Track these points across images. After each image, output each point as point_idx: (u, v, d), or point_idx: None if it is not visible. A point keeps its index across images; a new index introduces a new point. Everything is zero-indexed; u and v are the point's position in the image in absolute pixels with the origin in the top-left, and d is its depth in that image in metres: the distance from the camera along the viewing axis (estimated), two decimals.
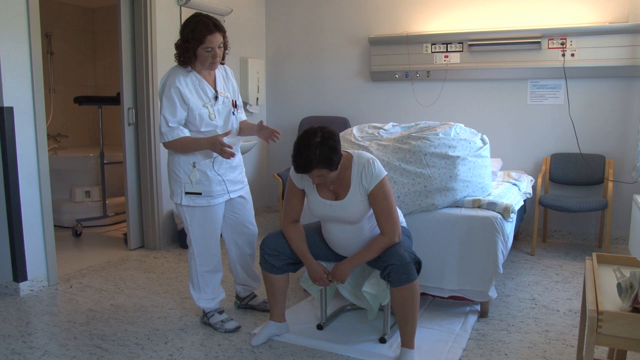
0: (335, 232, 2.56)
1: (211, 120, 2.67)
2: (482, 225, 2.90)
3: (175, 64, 2.67)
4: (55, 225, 3.63)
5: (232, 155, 2.59)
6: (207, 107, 2.66)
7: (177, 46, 2.62)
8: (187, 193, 2.70)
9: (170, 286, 3.49)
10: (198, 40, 2.54)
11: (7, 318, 2.97)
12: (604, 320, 1.59)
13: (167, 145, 2.66)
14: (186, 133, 2.63)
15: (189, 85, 2.62)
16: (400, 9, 4.92)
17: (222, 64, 2.78)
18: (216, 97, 2.70)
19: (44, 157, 3.40)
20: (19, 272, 3.29)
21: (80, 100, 4.89)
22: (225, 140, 2.70)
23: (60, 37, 6.00)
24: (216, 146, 2.56)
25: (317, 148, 2.28)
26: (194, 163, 2.68)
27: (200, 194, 2.70)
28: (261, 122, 2.83)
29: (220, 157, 2.69)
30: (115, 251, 4.29)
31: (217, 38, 2.57)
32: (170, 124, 2.59)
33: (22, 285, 3.32)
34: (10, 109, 3.19)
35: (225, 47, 2.68)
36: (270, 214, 5.63)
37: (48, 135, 3.71)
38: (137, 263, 3.98)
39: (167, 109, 2.58)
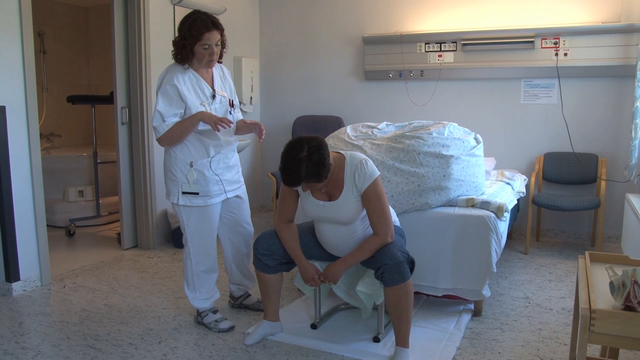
0: (328, 233, 2.55)
1: None
2: (476, 224, 2.91)
3: (171, 62, 2.66)
4: (48, 225, 3.61)
5: (230, 124, 2.54)
6: (204, 105, 2.64)
7: (175, 43, 2.61)
8: (184, 193, 2.68)
9: (164, 286, 3.48)
10: (195, 37, 2.53)
11: (0, 318, 2.95)
12: (597, 318, 1.60)
13: (161, 139, 2.61)
14: (176, 119, 2.59)
15: (187, 83, 2.61)
16: (394, 9, 4.93)
17: (220, 62, 2.77)
18: (213, 96, 2.69)
19: (37, 157, 3.38)
20: (11, 272, 3.27)
21: (73, 99, 4.87)
22: (222, 138, 2.70)
23: (53, 35, 5.97)
24: (211, 117, 2.53)
25: (303, 164, 2.24)
26: (191, 162, 2.67)
27: (197, 193, 2.68)
28: (243, 120, 2.87)
29: (217, 156, 2.69)
30: (109, 251, 4.27)
31: (215, 35, 2.56)
32: (165, 119, 2.56)
33: (15, 285, 3.30)
34: (3, 108, 3.17)
35: (224, 45, 2.68)
36: (265, 213, 5.62)
37: (41, 134, 3.68)
38: (130, 263, 3.97)
39: (162, 105, 2.56)
